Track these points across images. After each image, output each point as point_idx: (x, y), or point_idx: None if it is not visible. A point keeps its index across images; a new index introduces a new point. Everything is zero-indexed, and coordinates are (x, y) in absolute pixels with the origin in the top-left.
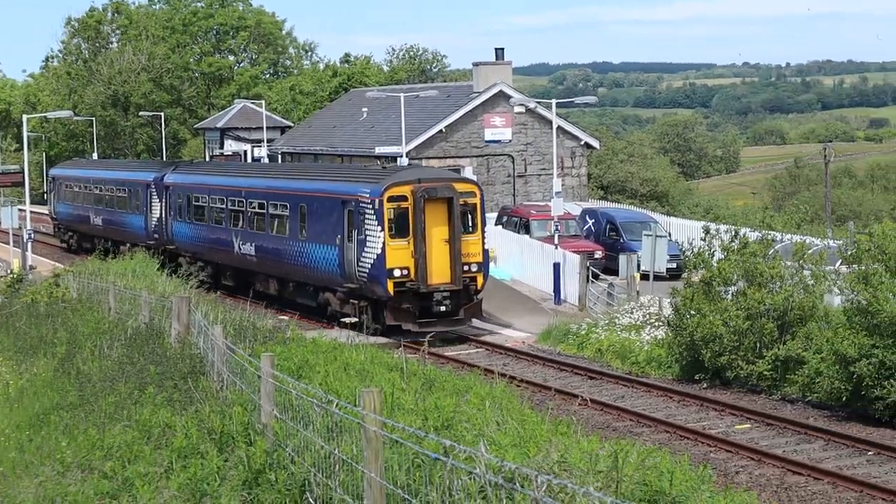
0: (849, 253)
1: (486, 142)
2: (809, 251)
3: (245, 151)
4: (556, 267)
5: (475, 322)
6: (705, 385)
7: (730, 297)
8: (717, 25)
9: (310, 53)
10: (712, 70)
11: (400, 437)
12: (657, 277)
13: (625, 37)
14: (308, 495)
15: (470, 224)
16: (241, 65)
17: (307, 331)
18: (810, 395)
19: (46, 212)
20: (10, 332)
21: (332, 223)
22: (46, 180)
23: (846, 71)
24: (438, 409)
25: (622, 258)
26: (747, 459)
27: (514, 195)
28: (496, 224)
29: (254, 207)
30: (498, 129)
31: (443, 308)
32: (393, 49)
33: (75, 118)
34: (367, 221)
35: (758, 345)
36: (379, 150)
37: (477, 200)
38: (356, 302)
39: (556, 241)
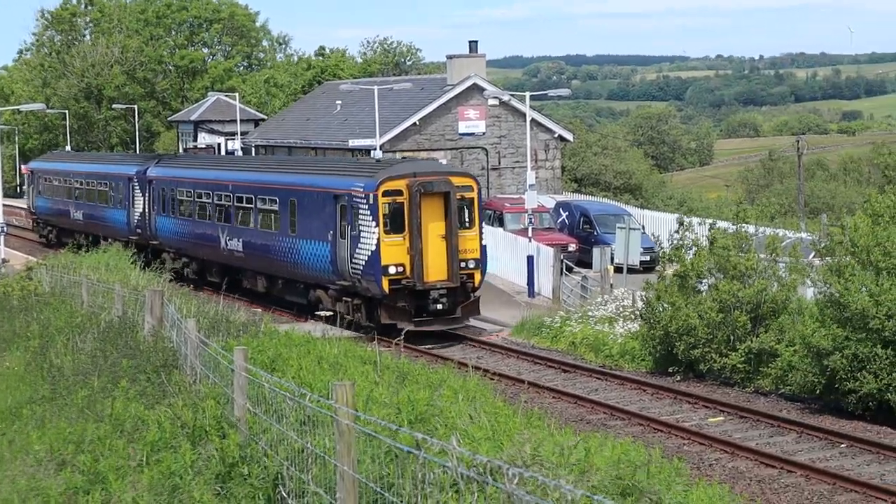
0: (822, 245)
1: (460, 134)
2: (783, 244)
3: (219, 144)
4: (530, 260)
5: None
6: (679, 378)
7: (703, 289)
8: (690, 17)
9: (284, 46)
10: (686, 63)
11: (373, 430)
12: (631, 270)
13: (598, 29)
14: (281, 489)
15: (467, 219)
16: (215, 57)
17: (281, 324)
18: (783, 387)
19: (19, 205)
20: None
21: (324, 218)
22: (19, 173)
23: (819, 63)
24: (412, 403)
25: (596, 251)
26: (720, 452)
27: (487, 188)
28: None
29: (241, 202)
30: (472, 121)
31: (439, 306)
32: (367, 42)
33: (48, 111)
34: (360, 217)
35: (731, 338)
36: (353, 142)
37: (474, 194)
38: (349, 300)
39: (529, 234)
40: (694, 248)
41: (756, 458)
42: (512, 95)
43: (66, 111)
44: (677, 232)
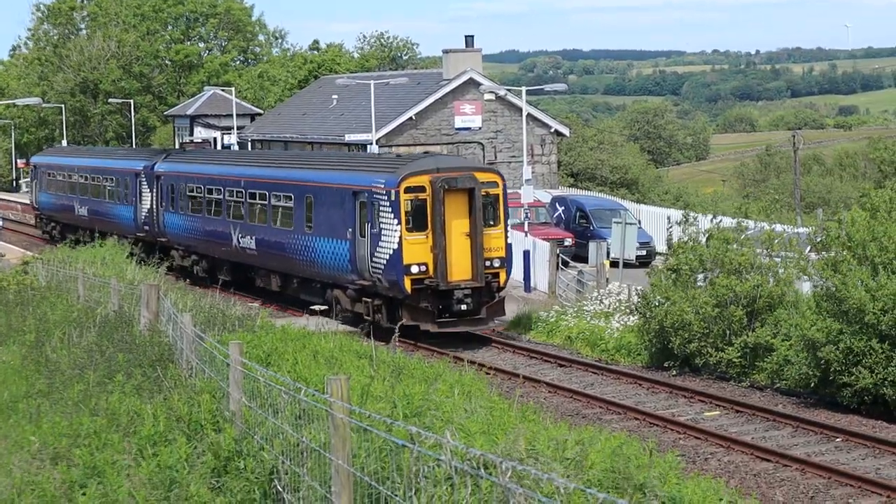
0: (818, 240)
1: (456, 129)
2: (778, 238)
3: (214, 139)
4: (526, 254)
5: None
6: (675, 372)
7: (700, 284)
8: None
9: (280, 41)
10: (682, 57)
11: (368, 424)
12: (627, 265)
13: (595, 24)
14: (276, 483)
15: (492, 216)
16: (211, 52)
17: (277, 318)
18: (779, 381)
19: (15, 200)
20: None
21: (343, 216)
22: (15, 167)
23: (815, 58)
24: (407, 397)
25: (592, 245)
26: (716, 446)
27: None
28: None
29: (255, 198)
30: (468, 116)
31: (464, 307)
32: (363, 36)
33: (44, 105)
34: (381, 214)
35: (727, 332)
36: (349, 137)
37: (499, 191)
38: (369, 300)
39: (526, 229)
40: (692, 243)
41: (751, 452)
42: (508, 90)
43: (63, 105)
44: (682, 228)
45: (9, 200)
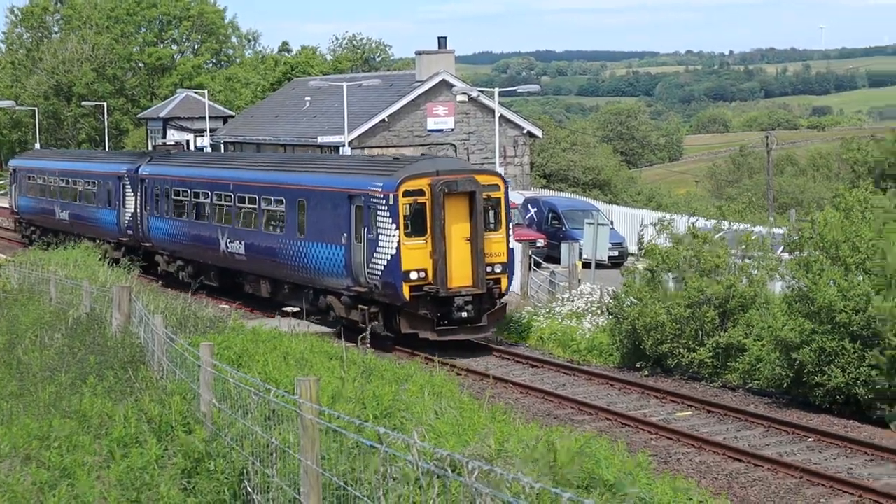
0: (791, 240)
1: (429, 131)
2: (752, 238)
3: (187, 141)
4: None
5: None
6: (646, 373)
7: (671, 285)
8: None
9: (252, 43)
10: (656, 58)
11: (337, 425)
12: (599, 265)
13: (568, 25)
14: (246, 483)
15: (493, 220)
16: (184, 55)
17: (249, 320)
18: (751, 382)
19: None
20: None
21: (338, 220)
22: None
23: (789, 59)
24: (377, 398)
25: (564, 246)
26: (688, 446)
27: None
28: None
29: (244, 202)
30: (440, 117)
31: (464, 314)
32: (336, 38)
33: (18, 108)
34: (379, 218)
35: (699, 332)
36: (321, 139)
37: (501, 194)
38: (365, 307)
39: None
40: (667, 244)
41: (723, 452)
42: (481, 92)
43: (36, 108)
44: (658, 230)
45: None
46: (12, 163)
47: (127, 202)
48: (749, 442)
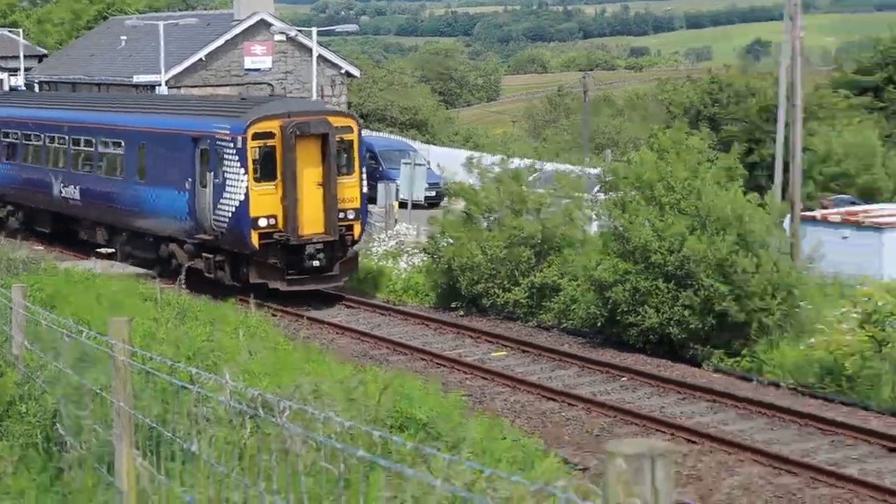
0: (606, 180)
1: (246, 70)
2: (568, 178)
3: (1, 80)
4: None
5: None
6: (462, 313)
7: (486, 225)
8: None
9: None
10: None
11: (150, 367)
12: (416, 206)
13: None
14: (59, 426)
15: (346, 164)
16: None
17: (63, 262)
18: (566, 322)
19: None
20: None
21: (181, 164)
22: None
23: (608, 0)
24: (191, 339)
25: (380, 187)
26: (503, 386)
27: None
28: None
29: (79, 145)
30: (258, 57)
31: (316, 263)
32: None
33: None
34: (226, 163)
35: (514, 272)
36: (137, 78)
37: (354, 136)
38: (210, 256)
39: None
40: (481, 183)
41: (538, 391)
42: (299, 31)
43: None
44: (468, 170)
45: None
46: None
47: None
48: (563, 381)
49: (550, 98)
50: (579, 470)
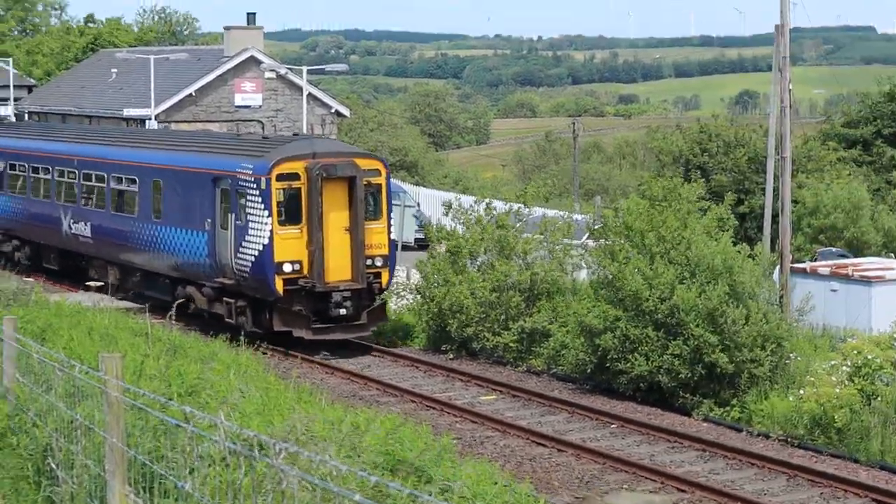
0: (595, 227)
1: (237, 107)
2: (556, 225)
3: None
4: None
5: None
6: (452, 356)
7: (476, 268)
8: None
9: (59, 12)
10: (465, 41)
11: (142, 403)
12: (405, 247)
13: (378, 4)
14: (50, 460)
15: (374, 209)
16: None
17: (53, 293)
18: (556, 367)
19: None
20: None
21: (200, 204)
22: None
23: (597, 46)
24: (182, 376)
25: None
26: (492, 430)
27: None
28: None
29: (91, 180)
30: (248, 94)
31: (342, 311)
32: (144, 10)
33: None
34: (249, 204)
35: (504, 317)
36: (127, 112)
37: (382, 180)
38: (231, 301)
39: None
40: (466, 228)
41: (527, 436)
42: (289, 69)
43: None
44: (445, 214)
45: None
46: None
47: None
48: (553, 427)
49: (539, 143)
50: None
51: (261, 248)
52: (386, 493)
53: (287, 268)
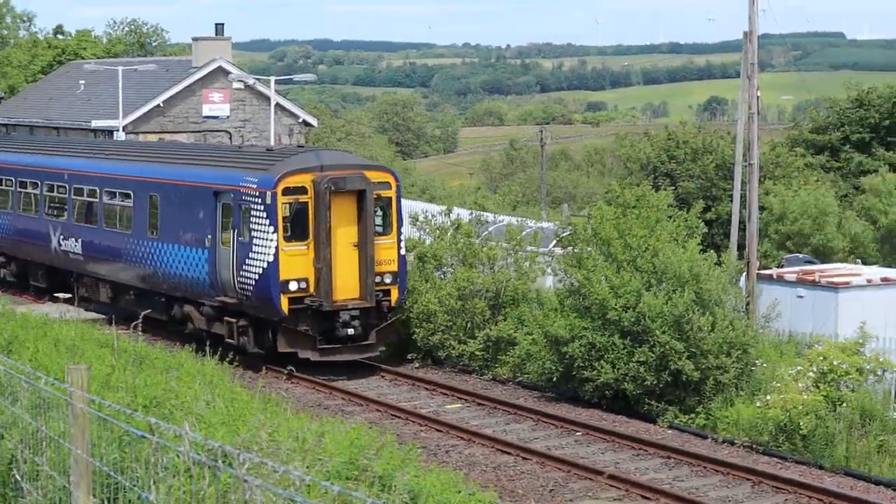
0: (563, 235)
1: (204, 117)
2: (523, 233)
3: None
4: None
5: None
6: (417, 364)
7: (442, 276)
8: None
9: (28, 24)
10: (433, 50)
11: (108, 414)
12: None
13: (346, 15)
14: (15, 472)
15: (384, 223)
16: None
17: (18, 305)
18: (521, 376)
19: None
20: None
21: (200, 220)
22: None
23: (566, 54)
24: (147, 387)
25: None
26: (457, 439)
27: None
28: None
29: (82, 195)
30: (216, 104)
31: (351, 331)
32: (114, 21)
33: None
34: (253, 219)
35: (470, 325)
36: (95, 123)
37: (392, 193)
38: (232, 320)
39: None
40: (432, 236)
41: (492, 445)
42: (257, 79)
43: None
44: (412, 225)
45: None
46: None
47: None
48: (518, 435)
49: (506, 151)
50: None
51: (265, 265)
52: (349, 502)
53: (293, 286)
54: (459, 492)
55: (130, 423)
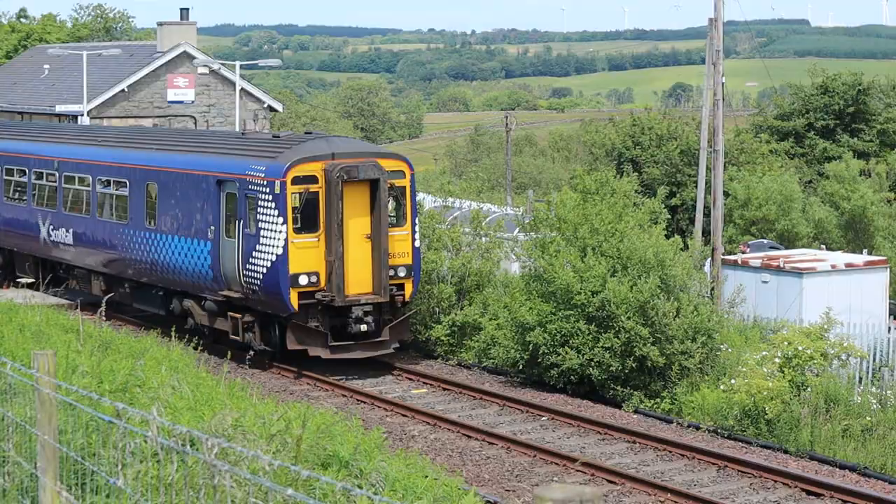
0: (527, 221)
1: (169, 102)
2: (488, 218)
3: None
4: None
5: None
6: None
7: None
8: None
9: None
10: (398, 35)
11: (74, 399)
12: None
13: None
14: None
15: (398, 214)
16: None
17: None
18: (486, 361)
19: None
20: None
21: (202, 210)
22: None
23: (531, 40)
24: (114, 372)
25: None
26: (423, 424)
27: None
28: None
29: (73, 183)
30: (181, 89)
31: (363, 327)
32: (80, 6)
33: None
34: (261, 210)
35: (436, 310)
36: (59, 108)
37: (407, 182)
38: (237, 316)
39: None
40: None
41: (458, 429)
42: (222, 64)
43: None
44: None
45: None
46: None
47: None
48: (484, 420)
49: (471, 137)
50: None
51: (273, 258)
52: (317, 486)
53: (303, 280)
54: (426, 476)
55: (97, 409)
